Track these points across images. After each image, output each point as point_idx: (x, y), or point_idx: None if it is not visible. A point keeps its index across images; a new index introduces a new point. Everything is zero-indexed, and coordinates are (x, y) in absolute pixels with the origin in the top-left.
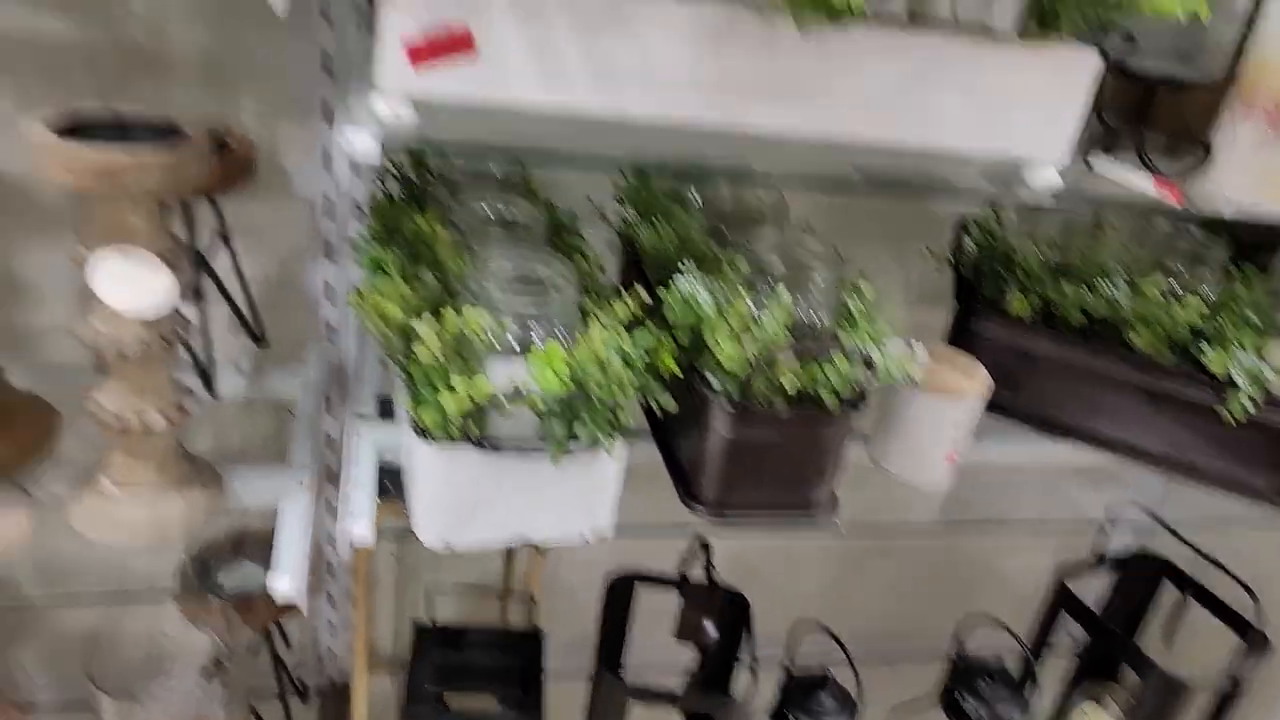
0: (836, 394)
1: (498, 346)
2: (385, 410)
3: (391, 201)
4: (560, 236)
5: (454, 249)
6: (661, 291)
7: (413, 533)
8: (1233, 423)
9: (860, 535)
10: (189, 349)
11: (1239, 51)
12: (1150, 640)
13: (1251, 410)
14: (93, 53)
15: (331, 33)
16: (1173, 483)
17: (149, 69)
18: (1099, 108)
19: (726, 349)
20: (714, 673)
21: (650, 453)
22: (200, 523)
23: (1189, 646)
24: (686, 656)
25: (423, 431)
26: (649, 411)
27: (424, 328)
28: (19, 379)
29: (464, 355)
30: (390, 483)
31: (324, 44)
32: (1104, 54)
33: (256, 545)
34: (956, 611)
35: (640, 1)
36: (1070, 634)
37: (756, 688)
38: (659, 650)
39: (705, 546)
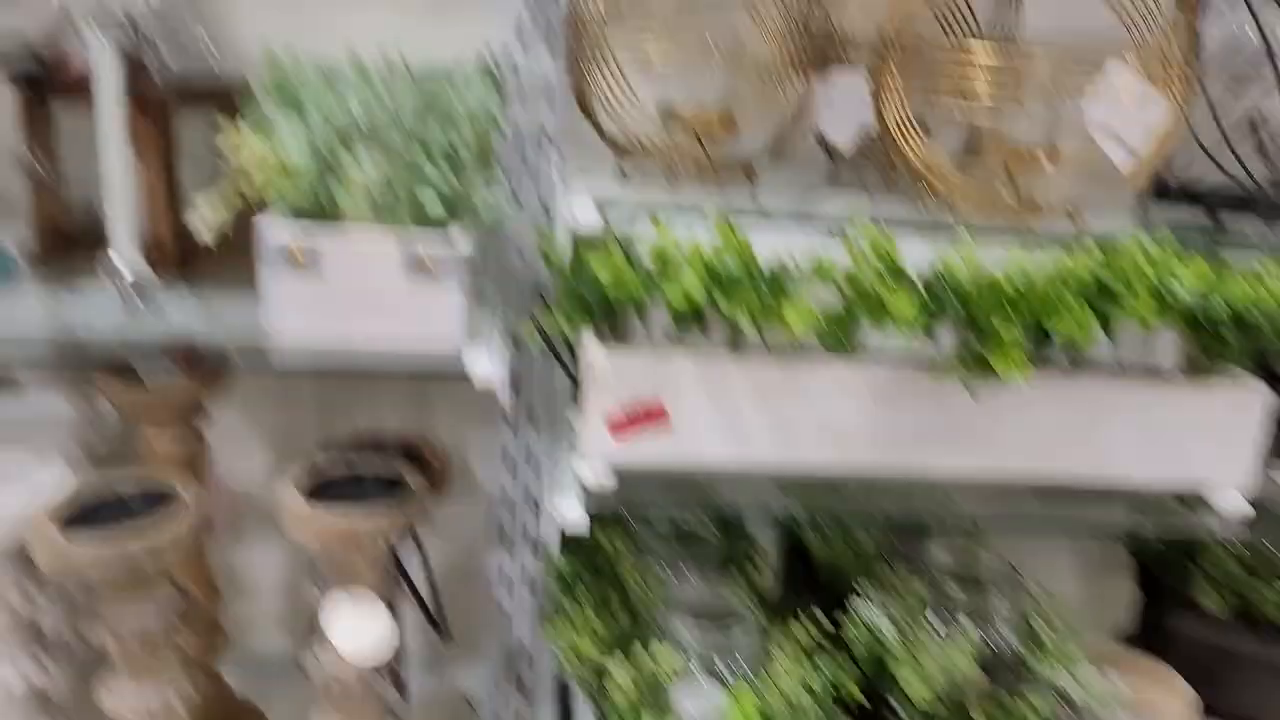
0: None
1: (686, 681)
2: (563, 694)
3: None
4: (730, 537)
5: (638, 570)
6: (842, 617)
7: None
8: None
9: None
10: (394, 672)
11: None
12: None
13: None
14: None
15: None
16: None
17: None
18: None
19: (915, 687)
20: None
21: None
22: None
23: None
24: None
25: None
26: None
27: (618, 670)
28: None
29: (655, 694)
30: None
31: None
32: (1274, 382)
33: None
34: None
35: (815, 369)
36: None
37: None
38: None
39: None
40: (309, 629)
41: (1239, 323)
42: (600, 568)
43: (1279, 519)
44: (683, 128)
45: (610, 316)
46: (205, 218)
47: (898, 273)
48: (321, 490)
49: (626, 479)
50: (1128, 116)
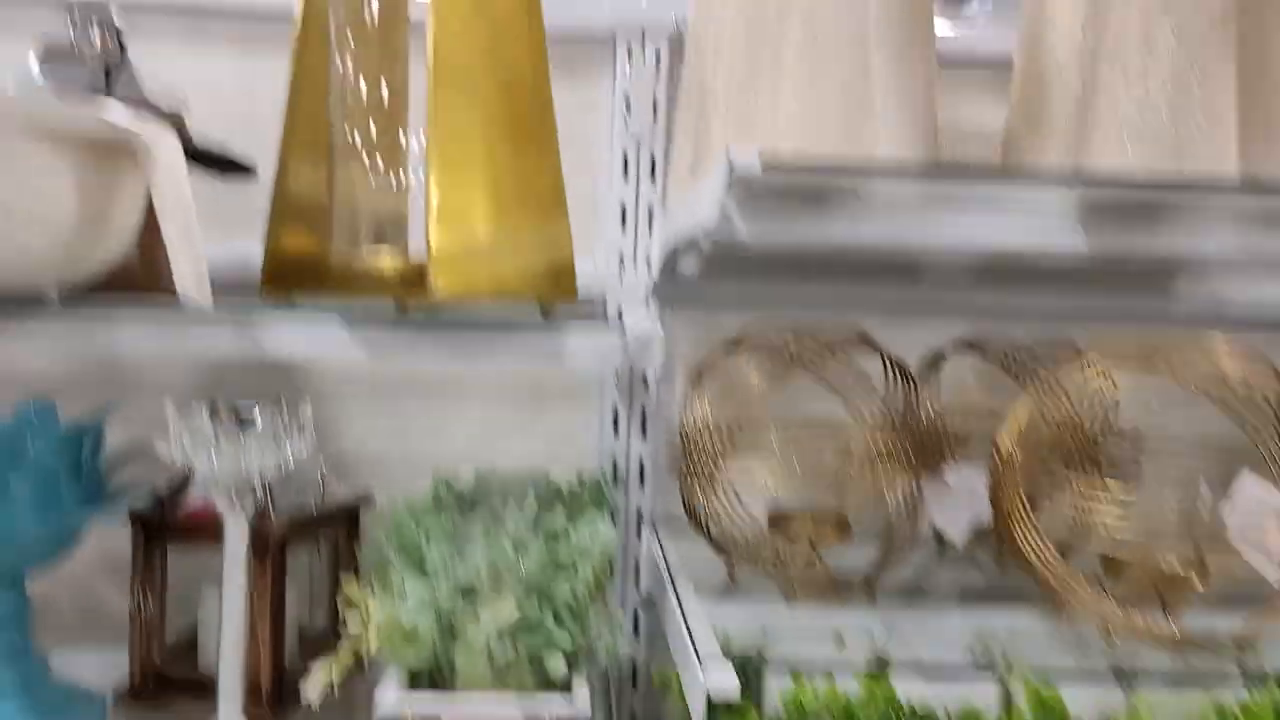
0: None
1: None
2: None
3: None
4: None
5: None
6: None
7: None
8: None
9: None
10: None
11: None
12: None
13: None
14: None
15: None
16: None
17: None
18: None
19: None
20: None
21: None
22: None
23: None
24: None
25: None
26: None
27: None
28: None
29: None
30: None
31: None
32: None
33: None
34: None
35: None
36: None
37: None
38: None
39: None
40: None
41: None
42: None
43: None
44: (793, 535)
45: None
46: (317, 683)
47: None
48: None
49: None
50: (1269, 529)
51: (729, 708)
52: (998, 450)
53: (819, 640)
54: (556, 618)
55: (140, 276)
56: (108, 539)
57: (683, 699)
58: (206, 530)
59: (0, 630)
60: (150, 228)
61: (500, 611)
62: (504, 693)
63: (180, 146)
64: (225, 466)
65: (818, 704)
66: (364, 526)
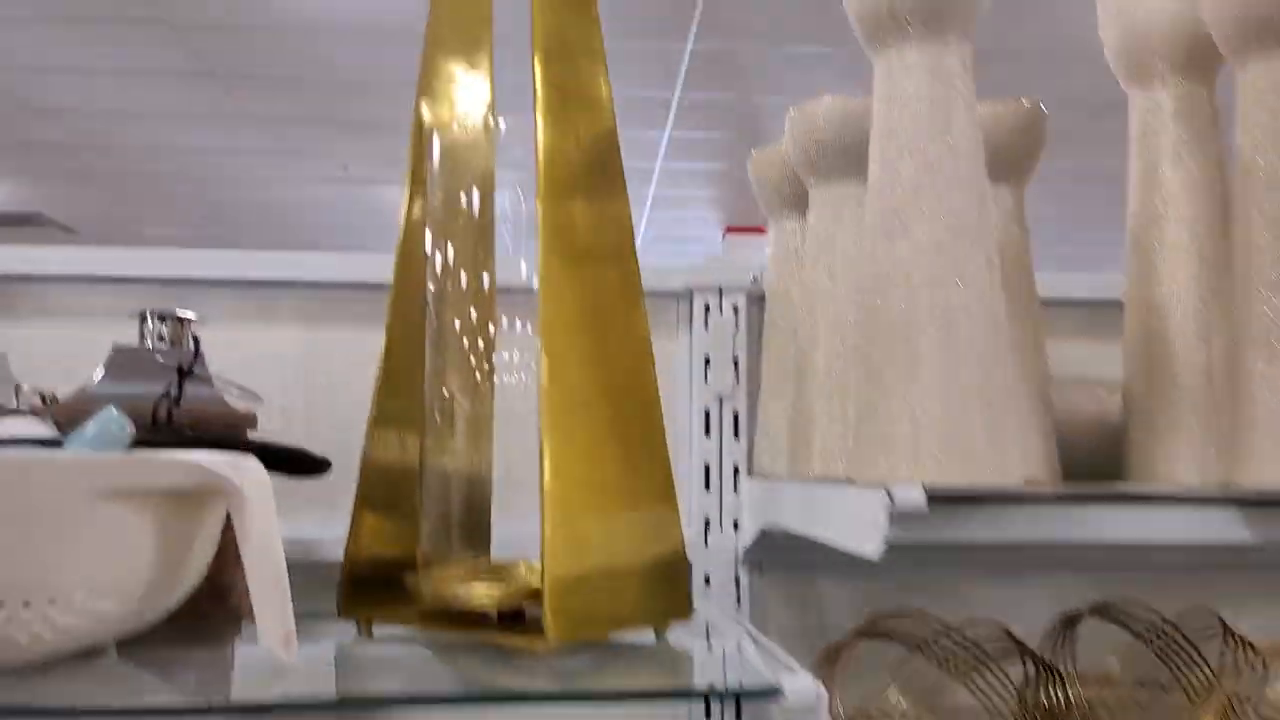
0: None
1: None
2: None
3: None
4: None
5: None
6: None
7: None
8: None
9: None
10: None
11: None
12: None
13: None
14: None
15: None
16: None
17: None
18: None
19: None
20: None
21: None
22: None
23: None
24: None
25: None
26: None
27: None
28: None
29: None
30: None
31: None
32: None
33: None
34: None
35: None
36: None
37: None
38: None
39: None
40: None
41: None
42: None
43: None
44: None
45: None
46: None
47: None
48: None
49: None
50: None
51: None
52: None
53: None
54: None
55: (205, 598)
56: None
57: None
58: None
59: None
60: (221, 547)
61: None
62: None
63: (267, 481)
64: None
65: None
66: None
